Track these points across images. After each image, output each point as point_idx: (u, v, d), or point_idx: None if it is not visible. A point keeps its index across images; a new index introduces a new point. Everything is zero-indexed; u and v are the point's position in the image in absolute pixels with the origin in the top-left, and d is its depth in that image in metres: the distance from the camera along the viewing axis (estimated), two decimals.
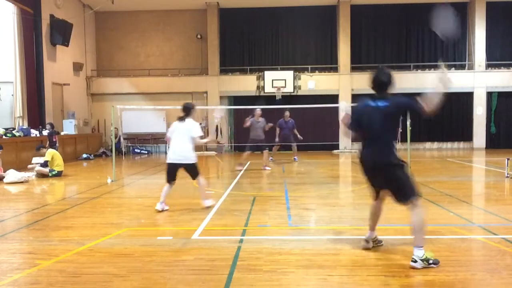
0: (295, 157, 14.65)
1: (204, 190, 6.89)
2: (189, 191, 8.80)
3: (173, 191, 6.47)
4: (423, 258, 3.94)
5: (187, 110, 6.77)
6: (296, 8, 19.68)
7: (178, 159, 6.65)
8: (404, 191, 4.09)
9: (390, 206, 6.80)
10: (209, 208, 6.69)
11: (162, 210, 6.61)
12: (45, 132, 14.32)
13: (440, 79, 3.98)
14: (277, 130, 14.06)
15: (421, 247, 3.97)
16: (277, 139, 14.10)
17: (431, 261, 3.97)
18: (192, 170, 6.78)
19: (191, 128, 6.67)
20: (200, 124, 7.78)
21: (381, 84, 4.26)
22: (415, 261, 3.94)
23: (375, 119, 4.17)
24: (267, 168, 12.07)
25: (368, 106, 4.27)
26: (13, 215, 6.63)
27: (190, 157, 6.66)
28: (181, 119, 6.73)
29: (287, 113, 14.25)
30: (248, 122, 12.01)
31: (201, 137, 6.79)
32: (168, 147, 6.96)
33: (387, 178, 4.19)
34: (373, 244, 4.60)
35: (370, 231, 4.61)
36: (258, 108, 12.24)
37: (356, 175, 11.13)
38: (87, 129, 19.42)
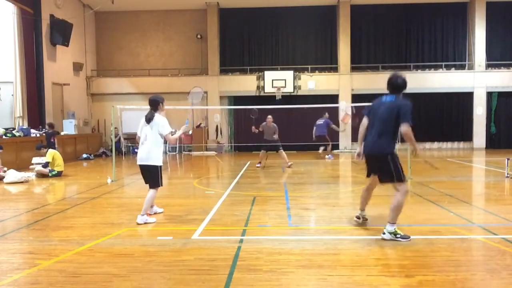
0: (329, 155, 15.55)
1: (149, 204, 5.96)
2: (189, 191, 8.81)
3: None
4: (391, 231, 4.79)
5: (155, 104, 5.98)
6: (296, 8, 19.69)
7: (140, 160, 5.92)
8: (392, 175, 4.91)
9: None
10: (143, 224, 5.79)
11: (155, 213, 6.35)
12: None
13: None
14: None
15: (394, 224, 4.81)
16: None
17: (399, 235, 4.77)
18: (152, 174, 5.88)
19: (159, 124, 5.87)
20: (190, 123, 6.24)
21: (395, 86, 4.97)
22: (384, 233, 4.84)
23: (380, 110, 4.96)
24: (289, 163, 12.60)
25: (379, 100, 5.10)
26: (13, 215, 6.63)
27: (152, 157, 5.85)
28: (150, 117, 5.94)
29: (326, 114, 15.68)
30: (260, 128, 12.60)
31: (172, 133, 5.95)
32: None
33: (380, 165, 5.00)
34: (362, 220, 5.64)
35: (361, 210, 5.67)
36: (269, 116, 12.64)
37: (356, 175, 11.13)
38: (87, 129, 19.42)
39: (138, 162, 5.97)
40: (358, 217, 5.64)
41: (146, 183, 6.07)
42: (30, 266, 4.23)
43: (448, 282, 3.67)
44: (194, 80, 19.49)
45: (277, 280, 3.75)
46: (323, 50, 20.20)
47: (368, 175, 5.31)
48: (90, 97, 19.91)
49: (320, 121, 15.52)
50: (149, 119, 5.93)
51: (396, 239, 4.74)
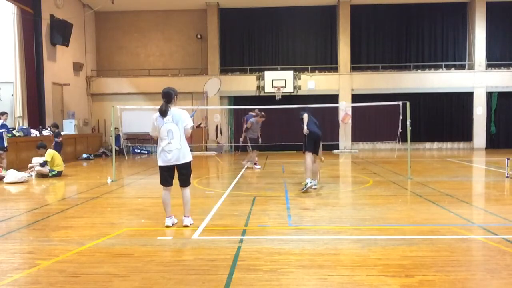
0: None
1: (189, 204, 5.73)
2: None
3: (173, 190, 6.30)
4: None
5: (169, 96, 5.42)
6: (296, 8, 19.69)
7: (176, 159, 5.45)
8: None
9: (390, 206, 6.83)
10: (187, 226, 5.61)
11: (173, 225, 5.71)
12: (45, 132, 14.41)
13: None
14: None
15: None
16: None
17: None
18: (189, 172, 5.62)
19: (182, 117, 5.43)
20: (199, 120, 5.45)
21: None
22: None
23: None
24: (256, 166, 12.42)
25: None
26: (13, 215, 6.63)
27: (188, 154, 5.54)
28: (165, 109, 5.39)
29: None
30: (248, 124, 12.30)
31: (192, 127, 5.60)
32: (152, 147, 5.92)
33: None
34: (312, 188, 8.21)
35: (313, 179, 8.21)
36: (257, 110, 12.49)
37: (357, 175, 11.13)
38: (87, 129, 19.41)
39: (174, 162, 5.46)
40: (310, 184, 8.10)
41: (169, 184, 5.61)
42: (30, 266, 4.23)
43: (448, 282, 3.67)
44: (194, 80, 19.49)
45: (277, 280, 3.74)
46: (323, 50, 20.19)
47: (311, 151, 8.23)
48: (90, 97, 19.91)
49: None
50: (164, 111, 5.39)
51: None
